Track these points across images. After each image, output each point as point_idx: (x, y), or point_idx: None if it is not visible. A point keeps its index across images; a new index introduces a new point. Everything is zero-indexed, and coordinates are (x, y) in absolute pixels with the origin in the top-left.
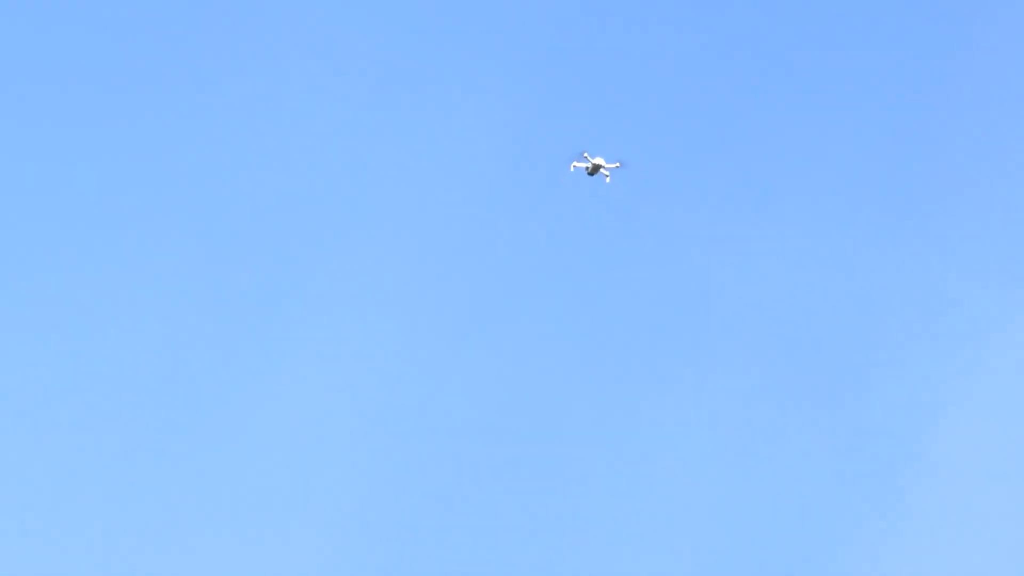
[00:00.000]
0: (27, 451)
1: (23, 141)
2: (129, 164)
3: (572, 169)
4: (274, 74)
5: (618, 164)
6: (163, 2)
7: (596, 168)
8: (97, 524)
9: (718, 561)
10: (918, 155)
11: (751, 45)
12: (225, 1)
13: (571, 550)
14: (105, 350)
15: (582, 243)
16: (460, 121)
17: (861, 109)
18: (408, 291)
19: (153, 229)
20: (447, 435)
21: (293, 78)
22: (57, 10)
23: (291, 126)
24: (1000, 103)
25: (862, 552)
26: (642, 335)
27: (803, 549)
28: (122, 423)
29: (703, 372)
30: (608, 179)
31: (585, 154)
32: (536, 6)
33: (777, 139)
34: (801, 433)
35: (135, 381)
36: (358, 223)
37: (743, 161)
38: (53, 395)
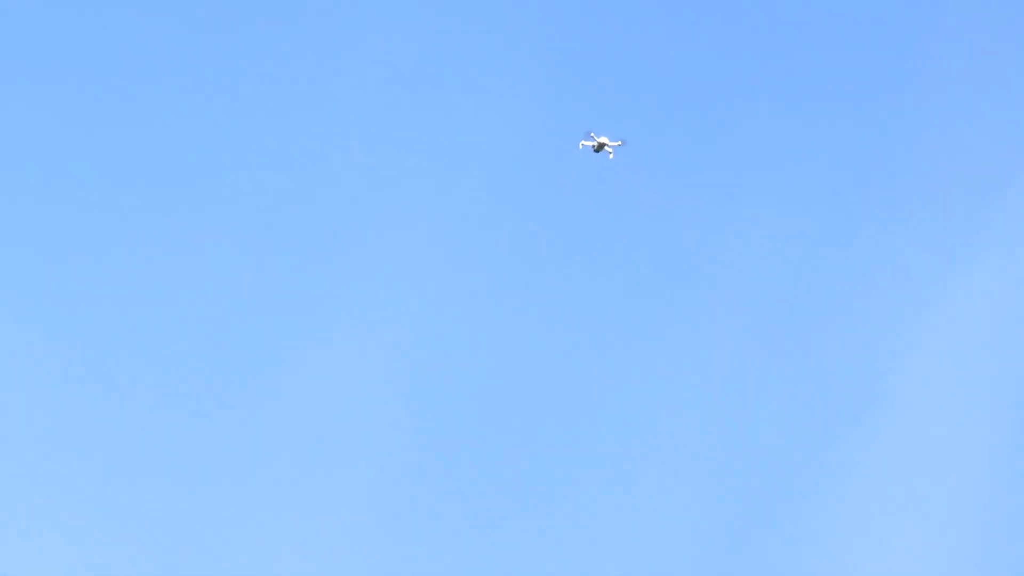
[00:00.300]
0: (74, 440)
1: (48, 143)
2: (161, 160)
3: (581, 147)
4: (304, 72)
5: (620, 142)
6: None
7: (601, 146)
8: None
9: (710, 485)
10: (873, 144)
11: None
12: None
13: (586, 477)
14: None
15: (589, 213)
16: (478, 111)
17: (824, 98)
18: (436, 267)
19: (207, 217)
20: (472, 391)
21: (323, 75)
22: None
23: (316, 120)
24: (947, 94)
25: (832, 479)
26: (642, 295)
27: (781, 476)
28: (182, 385)
29: (696, 327)
30: (611, 155)
31: (591, 134)
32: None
33: (752, 127)
34: (780, 377)
35: (192, 351)
36: (392, 206)
37: (725, 145)
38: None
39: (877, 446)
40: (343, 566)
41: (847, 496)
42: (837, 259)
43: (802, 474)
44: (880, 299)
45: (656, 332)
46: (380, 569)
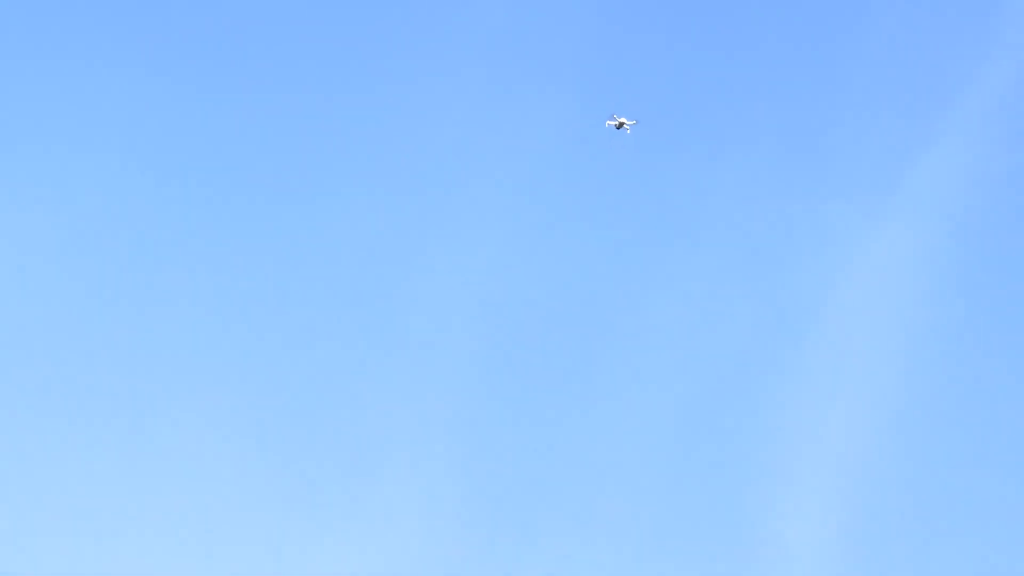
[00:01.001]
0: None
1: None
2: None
3: (607, 125)
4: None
5: (634, 121)
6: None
7: (621, 124)
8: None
9: (693, 382)
10: (800, 111)
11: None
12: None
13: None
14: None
15: (610, 175)
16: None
17: (765, 73)
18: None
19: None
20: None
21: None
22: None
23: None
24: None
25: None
26: (643, 235)
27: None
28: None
29: (686, 264)
30: (628, 131)
31: (614, 115)
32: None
33: (716, 100)
34: (738, 309)
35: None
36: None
37: (701, 119)
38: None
39: (813, 353)
40: None
41: (793, 391)
42: (782, 211)
43: (758, 373)
44: (816, 245)
45: (660, 260)
46: None
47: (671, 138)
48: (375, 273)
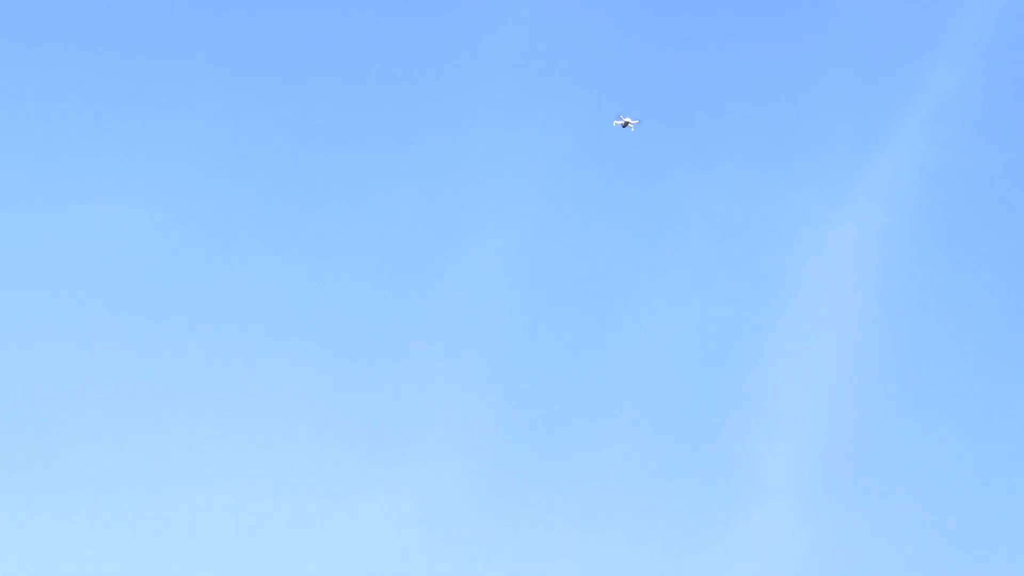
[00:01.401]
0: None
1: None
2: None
3: (614, 124)
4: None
5: (638, 120)
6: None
7: (627, 123)
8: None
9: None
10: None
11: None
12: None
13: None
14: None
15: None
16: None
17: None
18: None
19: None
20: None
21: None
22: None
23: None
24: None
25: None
26: (643, 217)
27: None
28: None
29: (681, 240)
30: (633, 129)
31: (620, 115)
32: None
33: (705, 103)
34: (725, 277)
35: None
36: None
37: (690, 118)
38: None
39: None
40: None
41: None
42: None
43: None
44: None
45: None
46: None
47: (666, 135)
48: (420, 250)
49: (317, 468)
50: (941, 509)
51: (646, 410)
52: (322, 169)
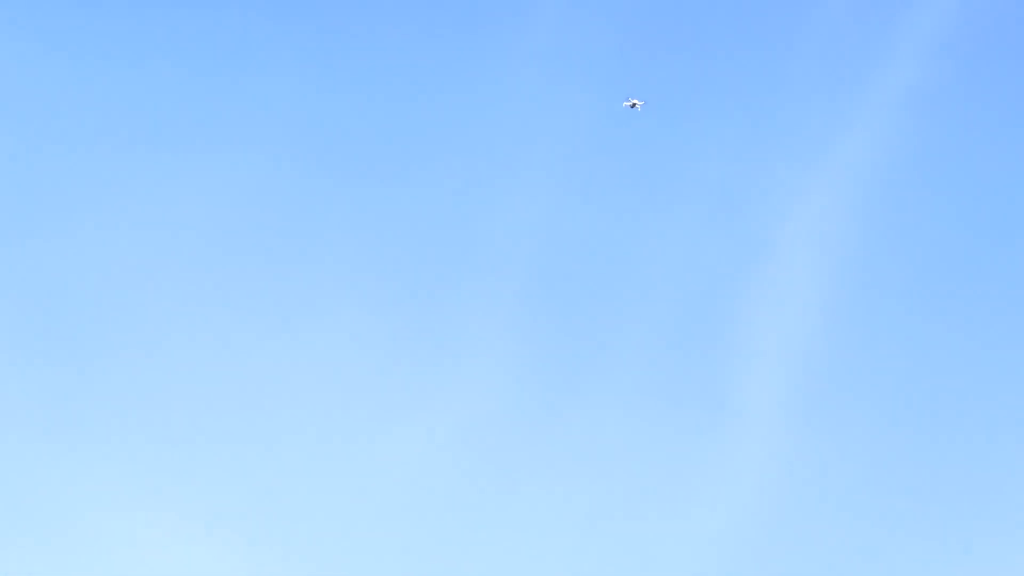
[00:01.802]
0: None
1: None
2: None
3: (623, 105)
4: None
5: (643, 101)
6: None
7: (634, 104)
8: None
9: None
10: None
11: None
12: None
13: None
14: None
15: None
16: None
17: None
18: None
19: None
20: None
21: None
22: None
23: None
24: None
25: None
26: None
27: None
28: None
29: (672, 202)
30: (639, 109)
31: (628, 97)
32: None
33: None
34: (711, 235)
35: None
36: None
37: (683, 98)
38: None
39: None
40: None
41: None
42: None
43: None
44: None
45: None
46: None
47: (663, 112)
48: (462, 215)
49: (373, 388)
50: (918, 431)
51: (646, 346)
52: (381, 150)
